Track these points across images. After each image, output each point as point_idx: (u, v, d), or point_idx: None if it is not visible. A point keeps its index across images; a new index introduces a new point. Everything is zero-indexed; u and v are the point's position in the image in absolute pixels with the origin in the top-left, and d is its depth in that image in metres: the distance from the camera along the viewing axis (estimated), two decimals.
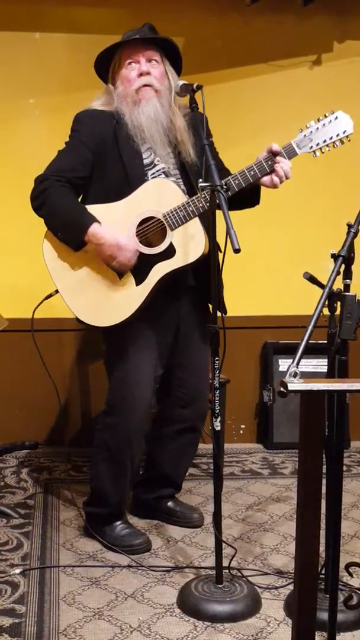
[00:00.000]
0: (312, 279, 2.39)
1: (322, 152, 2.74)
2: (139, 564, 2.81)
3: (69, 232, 2.75)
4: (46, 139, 3.90)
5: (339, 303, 2.18)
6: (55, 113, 3.92)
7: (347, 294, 2.16)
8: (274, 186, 2.75)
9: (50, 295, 2.88)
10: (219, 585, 2.55)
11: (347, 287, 2.22)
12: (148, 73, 2.81)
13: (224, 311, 2.83)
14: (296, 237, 4.11)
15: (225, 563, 2.59)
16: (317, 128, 2.72)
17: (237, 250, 2.27)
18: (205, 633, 2.40)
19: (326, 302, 2.10)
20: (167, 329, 2.92)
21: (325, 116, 2.73)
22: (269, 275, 4.16)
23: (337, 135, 2.72)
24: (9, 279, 3.98)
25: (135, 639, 2.35)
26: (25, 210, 3.87)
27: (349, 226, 2.25)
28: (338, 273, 2.18)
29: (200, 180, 2.56)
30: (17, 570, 2.74)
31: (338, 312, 2.19)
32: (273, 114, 4.10)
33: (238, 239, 2.28)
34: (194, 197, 2.70)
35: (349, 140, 2.74)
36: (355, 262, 2.26)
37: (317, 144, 2.72)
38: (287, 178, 2.74)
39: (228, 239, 2.31)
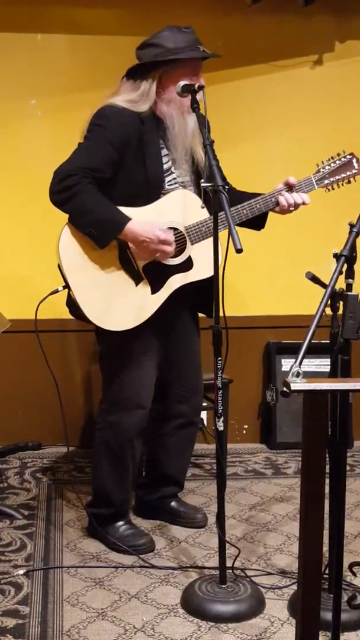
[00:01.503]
0: (314, 279, 2.39)
1: (333, 189, 2.94)
2: (145, 561, 2.81)
3: (103, 229, 2.70)
4: (48, 139, 3.91)
5: (341, 303, 2.18)
6: (56, 114, 3.92)
7: (349, 293, 2.16)
8: (282, 212, 2.91)
9: (56, 291, 2.84)
10: (223, 586, 2.55)
11: (349, 287, 2.22)
12: None
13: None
14: (299, 237, 4.11)
15: (228, 563, 2.59)
16: (332, 166, 2.92)
17: (239, 251, 2.27)
18: (209, 633, 2.40)
19: (328, 302, 2.10)
20: (166, 328, 2.93)
21: (338, 155, 2.93)
22: (272, 275, 4.16)
23: (348, 174, 2.93)
24: (10, 279, 3.98)
25: None
26: (27, 210, 3.90)
27: (351, 226, 2.26)
28: (340, 273, 2.18)
29: (202, 180, 2.57)
30: (21, 571, 2.74)
31: (340, 311, 2.19)
32: (274, 114, 4.10)
33: (240, 239, 2.29)
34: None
35: (355, 181, 2.94)
36: (358, 262, 2.26)
37: (331, 181, 2.93)
38: (295, 208, 2.89)
39: (230, 239, 2.31)
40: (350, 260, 2.22)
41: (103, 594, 2.62)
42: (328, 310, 2.17)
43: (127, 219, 2.70)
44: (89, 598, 2.59)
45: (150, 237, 2.70)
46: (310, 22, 4.05)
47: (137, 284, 2.78)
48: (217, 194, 2.44)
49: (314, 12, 4.00)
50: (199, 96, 2.65)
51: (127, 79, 2.84)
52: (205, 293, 2.90)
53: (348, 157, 2.93)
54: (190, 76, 2.75)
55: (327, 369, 2.45)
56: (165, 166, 2.83)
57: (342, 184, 2.93)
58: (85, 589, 2.65)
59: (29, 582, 2.68)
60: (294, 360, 1.79)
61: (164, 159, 2.83)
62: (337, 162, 2.92)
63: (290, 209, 2.87)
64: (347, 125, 4.09)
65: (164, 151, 2.83)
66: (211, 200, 2.51)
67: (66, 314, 2.94)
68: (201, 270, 2.81)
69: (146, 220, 2.72)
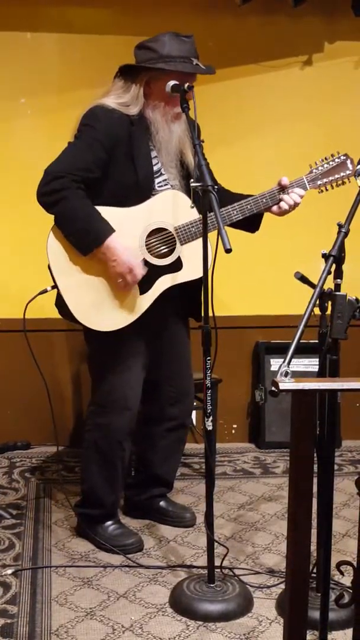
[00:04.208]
0: (303, 279, 2.40)
1: (326, 190, 2.90)
2: (132, 561, 2.81)
3: (83, 239, 2.70)
4: (37, 139, 3.90)
5: (329, 302, 2.18)
6: (46, 113, 3.92)
7: (337, 293, 2.16)
8: (281, 214, 2.88)
9: (44, 291, 2.83)
10: (211, 585, 2.56)
11: (337, 287, 2.22)
12: None
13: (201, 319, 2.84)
14: (288, 237, 4.11)
15: (217, 562, 2.59)
16: (325, 167, 2.87)
17: (228, 250, 2.28)
18: (197, 632, 2.40)
19: (317, 302, 2.11)
20: (155, 330, 2.93)
21: (332, 156, 2.89)
22: (261, 275, 4.17)
23: (342, 175, 2.88)
24: None
25: (127, 639, 2.36)
26: (16, 209, 3.89)
27: (340, 226, 2.26)
28: (329, 273, 2.19)
29: (192, 180, 2.57)
30: (9, 571, 2.74)
31: (329, 311, 2.20)
32: (264, 115, 4.11)
33: (229, 239, 2.29)
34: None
35: (349, 182, 2.87)
36: (346, 262, 2.27)
37: (324, 182, 2.89)
38: (293, 208, 2.88)
39: (219, 239, 2.32)
40: (338, 260, 2.23)
41: (91, 594, 2.62)
42: (317, 310, 2.17)
43: (109, 233, 2.69)
44: (77, 597, 2.59)
45: (122, 261, 2.69)
46: (299, 23, 4.06)
47: None
48: (206, 194, 2.44)
49: (303, 12, 4.01)
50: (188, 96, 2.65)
51: (119, 78, 2.82)
52: (193, 297, 2.91)
53: (342, 157, 2.89)
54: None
55: (316, 368, 2.45)
56: (155, 168, 2.82)
57: (335, 185, 2.89)
58: (73, 589, 2.65)
59: (17, 581, 2.68)
60: (282, 360, 1.80)
61: (154, 161, 2.83)
62: (331, 162, 2.88)
63: (292, 206, 2.86)
64: (337, 126, 4.11)
65: (154, 153, 2.83)
66: (200, 201, 2.51)
67: (55, 314, 2.94)
68: (191, 271, 2.80)
69: (128, 246, 2.71)
